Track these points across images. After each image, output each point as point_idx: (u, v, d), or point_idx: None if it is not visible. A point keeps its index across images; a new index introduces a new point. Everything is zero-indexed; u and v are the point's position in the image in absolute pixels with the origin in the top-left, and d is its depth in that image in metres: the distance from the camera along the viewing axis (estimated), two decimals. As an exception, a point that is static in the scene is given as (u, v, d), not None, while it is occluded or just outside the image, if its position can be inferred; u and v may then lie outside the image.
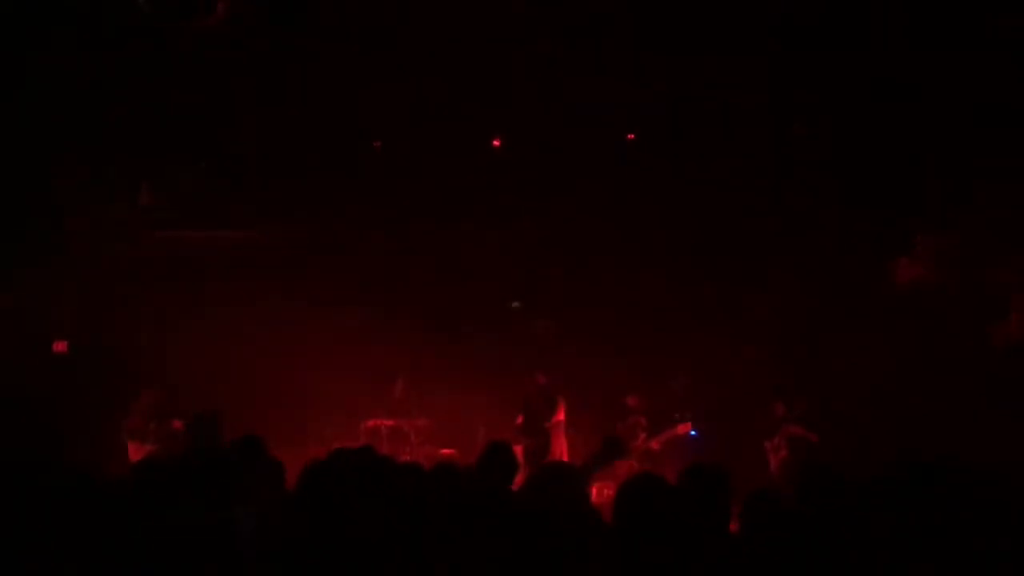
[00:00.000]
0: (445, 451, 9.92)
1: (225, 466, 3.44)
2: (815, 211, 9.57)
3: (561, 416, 9.53)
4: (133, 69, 7.49)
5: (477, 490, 4.00)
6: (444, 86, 8.22)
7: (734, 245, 9.99)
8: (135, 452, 8.49)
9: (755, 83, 8.06)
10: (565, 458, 9.27)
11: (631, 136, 9.45)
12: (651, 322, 10.39)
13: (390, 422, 10.01)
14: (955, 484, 3.08)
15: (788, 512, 3.40)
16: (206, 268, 10.20)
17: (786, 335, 9.90)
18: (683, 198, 9.88)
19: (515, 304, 11.39)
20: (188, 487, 3.38)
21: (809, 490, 3.36)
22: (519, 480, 4.62)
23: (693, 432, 9.85)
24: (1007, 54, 7.07)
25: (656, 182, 9.76)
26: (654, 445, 9.70)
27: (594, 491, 5.17)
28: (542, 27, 7.33)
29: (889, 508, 3.15)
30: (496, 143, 9.63)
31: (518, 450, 9.13)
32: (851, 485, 3.43)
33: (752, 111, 8.63)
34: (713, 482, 3.43)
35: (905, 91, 8.00)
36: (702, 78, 8.02)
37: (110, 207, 9.34)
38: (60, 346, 9.73)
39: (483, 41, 7.50)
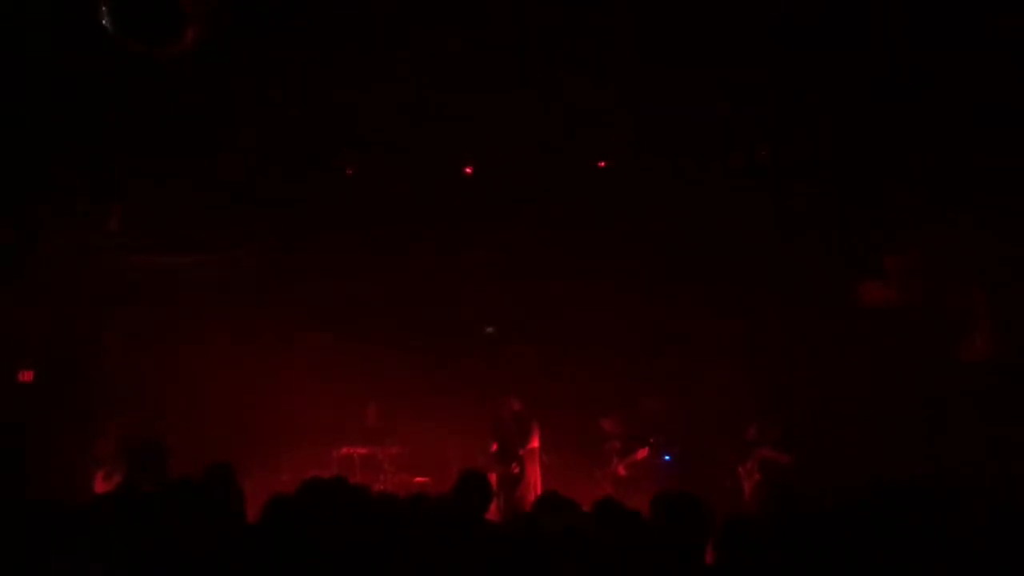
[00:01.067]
0: (419, 479, 9.86)
1: (186, 495, 3.40)
2: (785, 233, 9.65)
3: (536, 443, 9.49)
4: (102, 93, 7.44)
5: (453, 518, 3.98)
6: (417, 108, 8.22)
7: (706, 268, 10.04)
8: (102, 483, 8.34)
9: (722, 102, 8.11)
10: (539, 485, 9.24)
11: (602, 164, 9.49)
12: (624, 345, 10.41)
13: (363, 450, 9.94)
14: (927, 506, 3.09)
15: (762, 538, 3.39)
16: (177, 294, 10.10)
17: (758, 357, 9.94)
18: (655, 220, 9.92)
19: (489, 329, 11.38)
20: (152, 514, 3.33)
21: (780, 514, 3.36)
22: (493, 509, 4.59)
23: (667, 457, 9.87)
24: (999, 57, 7.08)
25: (627, 205, 9.81)
26: (620, 471, 9.71)
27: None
28: (517, 45, 7.34)
29: (862, 531, 3.15)
30: (468, 170, 9.63)
31: (492, 478, 9.11)
32: (823, 509, 3.44)
33: (720, 133, 8.69)
34: (682, 510, 3.43)
35: (868, 110, 8.07)
36: (671, 99, 8.06)
37: (79, 232, 9.23)
38: (26, 376, 9.57)
39: (454, 62, 7.50)
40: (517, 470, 9.33)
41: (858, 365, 9.32)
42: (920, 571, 2.92)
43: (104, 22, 5.01)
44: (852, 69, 7.49)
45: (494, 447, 9.50)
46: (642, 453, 9.67)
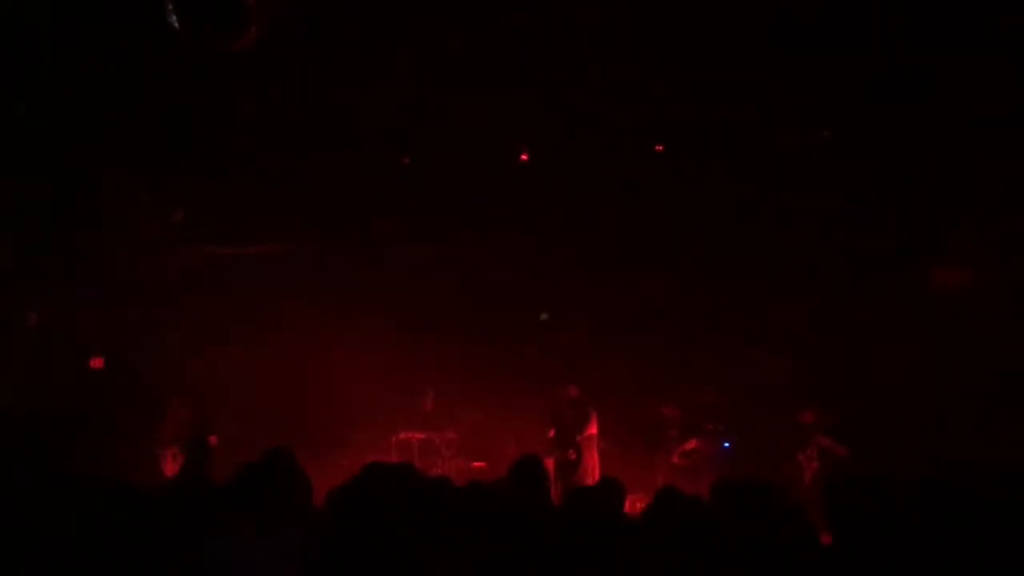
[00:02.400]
0: (476, 464, 9.94)
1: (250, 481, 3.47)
2: (847, 215, 9.47)
3: (593, 430, 9.49)
4: (166, 85, 7.61)
5: (509, 503, 3.99)
6: (468, 97, 8.27)
7: (764, 252, 9.92)
8: (171, 466, 8.59)
9: (779, 85, 8.00)
10: (597, 472, 9.24)
11: (659, 148, 9.42)
12: (680, 331, 10.34)
13: (421, 435, 10.04)
14: (992, 495, 3.04)
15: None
16: (238, 283, 10.30)
17: (818, 342, 9.81)
18: (712, 205, 9.82)
19: (544, 316, 11.39)
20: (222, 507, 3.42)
21: (838, 506, 3.31)
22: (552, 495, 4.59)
23: (726, 444, 9.81)
24: None
25: (684, 190, 9.72)
26: (674, 459, 9.70)
27: (627, 503, 5.18)
28: (566, 36, 7.35)
29: (924, 523, 3.10)
30: (524, 157, 9.64)
31: (550, 464, 9.13)
32: (882, 499, 3.38)
33: (777, 115, 8.57)
34: (742, 496, 3.41)
35: (935, 89, 7.89)
36: (724, 82, 7.97)
37: (143, 223, 9.47)
38: (97, 362, 9.87)
39: (507, 50, 7.52)
40: (574, 456, 9.35)
41: (920, 349, 9.15)
42: (980, 564, 2.87)
43: (170, 17, 5.11)
44: (911, 42, 7.34)
45: (551, 433, 9.53)
46: (691, 444, 9.68)
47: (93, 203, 9.00)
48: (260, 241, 10.42)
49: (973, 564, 2.88)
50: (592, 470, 9.31)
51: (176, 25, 5.08)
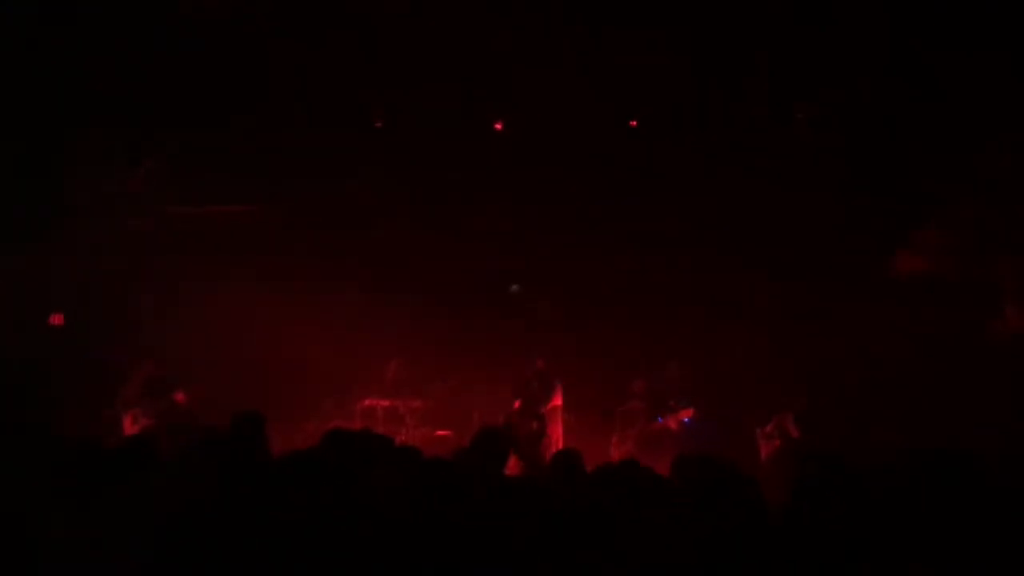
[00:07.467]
0: (440, 432, 9.96)
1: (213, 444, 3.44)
2: (815, 201, 9.54)
3: (558, 402, 9.53)
4: (136, 42, 7.48)
5: (469, 475, 3.99)
6: (446, 65, 8.20)
7: (735, 232, 9.97)
8: (130, 426, 8.50)
9: (757, 70, 8.03)
10: (561, 443, 9.30)
11: (633, 124, 9.41)
12: (649, 307, 10.38)
13: (386, 402, 10.03)
14: (953, 476, 3.07)
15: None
16: (205, 244, 10.19)
17: (785, 324, 9.89)
18: (684, 183, 9.84)
19: (514, 287, 11.38)
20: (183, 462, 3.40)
21: (806, 487, 3.34)
22: (514, 465, 4.60)
23: (686, 420, 9.88)
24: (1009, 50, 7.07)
25: (657, 167, 9.72)
26: (671, 424, 9.73)
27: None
28: (546, 6, 7.31)
29: (889, 502, 3.14)
30: (498, 126, 9.58)
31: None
32: (850, 481, 3.41)
33: (752, 98, 8.59)
34: (701, 473, 3.44)
35: (904, 83, 7.98)
36: (706, 64, 7.99)
37: (110, 181, 9.32)
38: (57, 319, 9.75)
39: (488, 17, 7.47)
40: (536, 427, 9.38)
41: (883, 335, 9.26)
42: (941, 545, 2.91)
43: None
44: (886, 42, 7.41)
45: (516, 404, 9.55)
46: (688, 412, 9.70)
47: (56, 161, 8.84)
48: (230, 203, 10.31)
49: (935, 544, 2.91)
50: (556, 442, 9.35)
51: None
